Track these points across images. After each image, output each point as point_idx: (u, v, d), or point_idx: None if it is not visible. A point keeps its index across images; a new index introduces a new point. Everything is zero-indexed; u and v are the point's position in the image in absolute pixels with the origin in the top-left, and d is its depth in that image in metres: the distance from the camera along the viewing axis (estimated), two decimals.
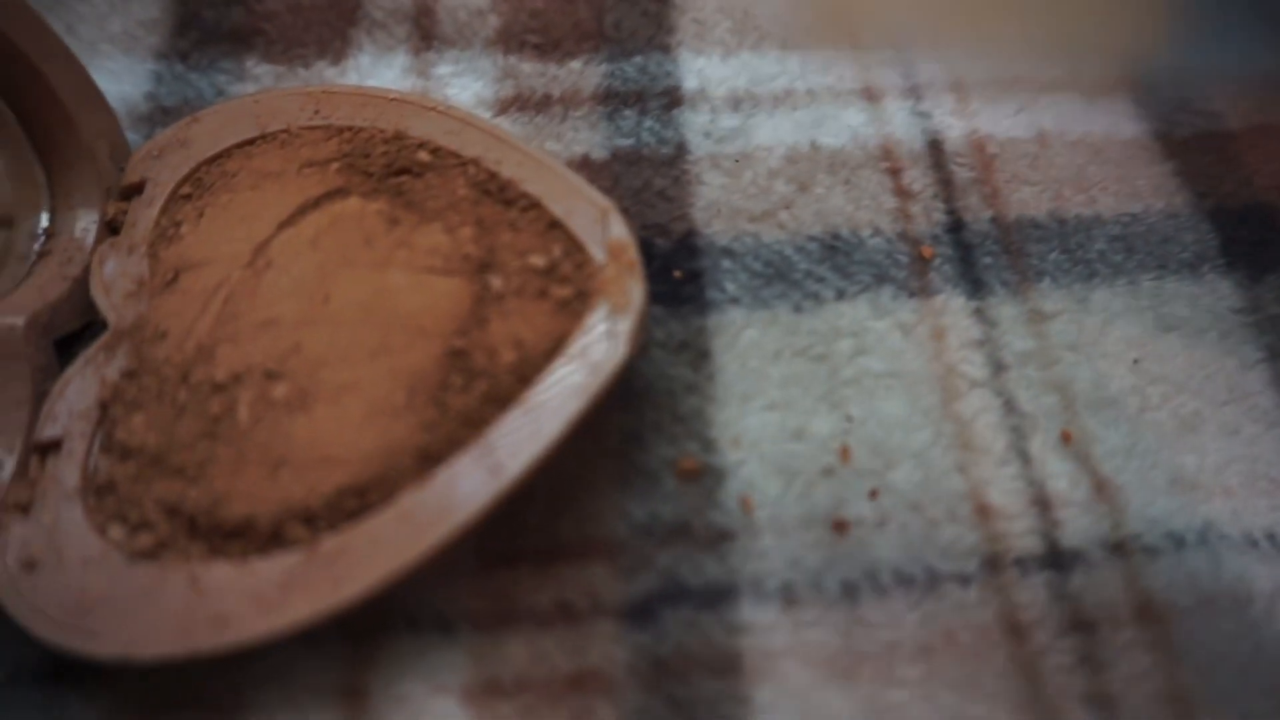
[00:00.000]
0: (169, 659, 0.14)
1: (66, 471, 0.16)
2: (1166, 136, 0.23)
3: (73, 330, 0.19)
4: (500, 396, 0.16)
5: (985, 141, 0.23)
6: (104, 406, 0.17)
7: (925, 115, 0.23)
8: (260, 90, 0.22)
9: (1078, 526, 0.18)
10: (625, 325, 0.17)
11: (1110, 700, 0.16)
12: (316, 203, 0.19)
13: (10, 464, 0.17)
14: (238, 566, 0.15)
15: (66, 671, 0.16)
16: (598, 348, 0.16)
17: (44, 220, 0.20)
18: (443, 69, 0.23)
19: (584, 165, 0.22)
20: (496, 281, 0.17)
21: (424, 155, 0.19)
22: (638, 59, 0.24)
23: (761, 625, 0.16)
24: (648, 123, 0.23)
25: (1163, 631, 0.17)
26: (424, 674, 0.16)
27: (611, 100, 0.23)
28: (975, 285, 0.21)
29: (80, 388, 0.17)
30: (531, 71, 0.23)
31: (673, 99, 0.23)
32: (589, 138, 0.22)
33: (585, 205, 0.18)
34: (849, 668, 0.16)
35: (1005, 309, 0.20)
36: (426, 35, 0.24)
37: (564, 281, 0.17)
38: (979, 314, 0.20)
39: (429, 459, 0.16)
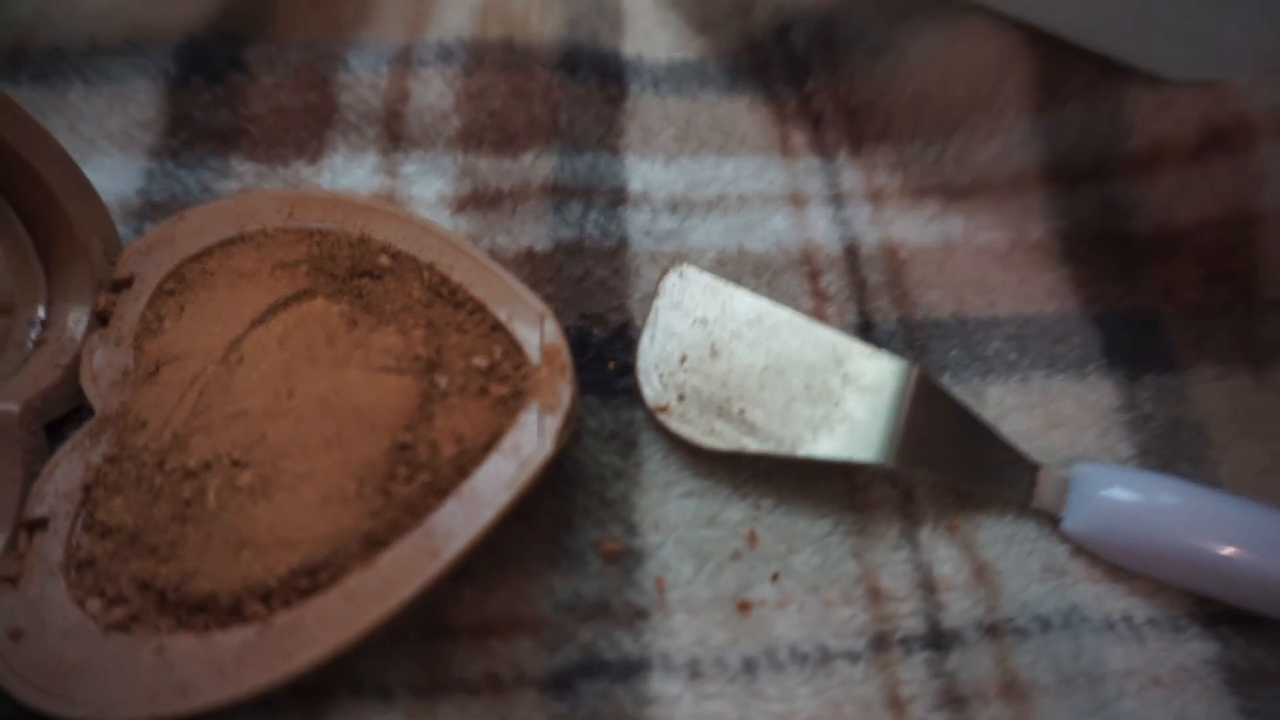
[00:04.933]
0: None
1: (51, 548, 0.18)
2: (1070, 236, 0.25)
3: (62, 415, 0.21)
4: (440, 487, 0.18)
5: (898, 248, 0.25)
6: (87, 489, 0.19)
7: (845, 223, 0.25)
8: (241, 189, 0.25)
9: (958, 609, 0.20)
10: (553, 424, 0.19)
11: None
12: (286, 303, 0.21)
13: (1, 539, 0.19)
14: (201, 638, 0.17)
15: None
16: (528, 444, 0.19)
17: (41, 312, 0.22)
18: (409, 168, 0.26)
19: (528, 258, 0.24)
20: (443, 380, 0.20)
21: (385, 260, 0.22)
22: (588, 156, 0.26)
23: (668, 697, 0.18)
24: (593, 215, 0.25)
25: (1025, 707, 0.19)
26: None
27: (559, 193, 0.25)
28: None
29: (67, 470, 0.19)
30: (487, 168, 0.26)
31: (618, 197, 0.25)
32: (535, 230, 0.24)
33: (525, 310, 0.20)
34: None
35: None
36: (395, 136, 0.26)
37: (503, 380, 0.20)
38: None
39: (374, 543, 0.18)
